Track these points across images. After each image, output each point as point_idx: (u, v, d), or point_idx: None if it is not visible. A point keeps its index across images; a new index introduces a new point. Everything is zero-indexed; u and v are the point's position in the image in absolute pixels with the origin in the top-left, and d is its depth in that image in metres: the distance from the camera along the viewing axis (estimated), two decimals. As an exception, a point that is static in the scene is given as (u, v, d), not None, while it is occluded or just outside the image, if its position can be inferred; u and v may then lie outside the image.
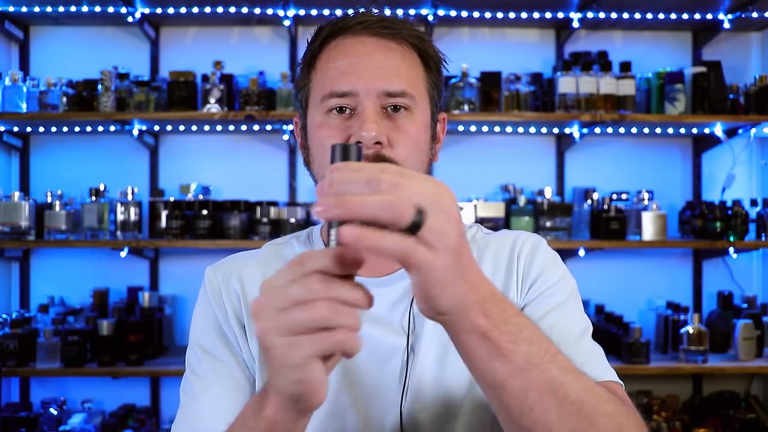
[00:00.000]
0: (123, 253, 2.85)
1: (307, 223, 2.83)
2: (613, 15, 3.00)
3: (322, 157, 1.00)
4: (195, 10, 2.93)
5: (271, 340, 0.64)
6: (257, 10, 2.93)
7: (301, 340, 0.62)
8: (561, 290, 1.04)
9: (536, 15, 3.00)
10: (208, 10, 2.93)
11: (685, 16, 3.01)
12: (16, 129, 3.02)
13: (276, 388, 0.68)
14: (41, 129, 3.03)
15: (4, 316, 2.86)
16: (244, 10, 2.93)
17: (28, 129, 3.04)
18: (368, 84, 0.97)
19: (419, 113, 1.01)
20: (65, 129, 3.04)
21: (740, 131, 3.00)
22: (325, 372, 0.65)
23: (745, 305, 3.05)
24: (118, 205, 2.83)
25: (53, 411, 2.77)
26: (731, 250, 2.94)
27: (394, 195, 0.61)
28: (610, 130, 3.05)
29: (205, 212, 2.81)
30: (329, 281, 0.63)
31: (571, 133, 3.04)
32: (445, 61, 1.08)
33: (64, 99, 2.80)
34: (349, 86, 0.98)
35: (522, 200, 2.87)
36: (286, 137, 2.99)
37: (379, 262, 1.04)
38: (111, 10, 2.90)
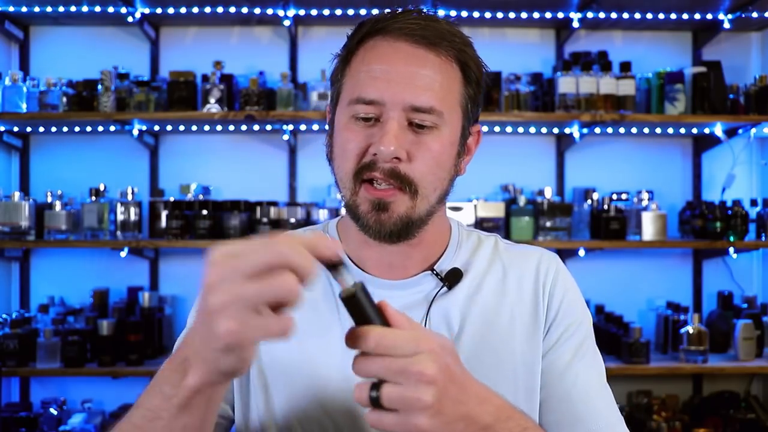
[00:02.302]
0: (123, 253, 2.85)
1: (306, 223, 2.83)
2: (613, 15, 3.00)
3: (341, 159, 0.99)
4: (195, 10, 2.93)
5: (226, 314, 0.63)
6: (257, 10, 2.93)
7: (258, 321, 0.63)
8: (578, 330, 1.06)
9: (536, 15, 3.00)
10: (208, 10, 2.93)
11: (685, 16, 3.01)
12: (16, 129, 3.02)
13: (206, 359, 0.68)
14: (41, 129, 3.03)
15: (4, 316, 2.86)
16: (244, 10, 2.93)
17: (28, 129, 3.04)
18: (396, 95, 0.94)
19: (446, 130, 0.98)
20: (65, 129, 3.04)
21: (740, 131, 2.99)
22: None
23: (745, 305, 3.05)
24: (118, 205, 2.83)
25: (53, 411, 2.77)
26: (731, 250, 2.94)
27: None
28: (610, 130, 3.05)
29: (205, 212, 2.81)
30: (296, 247, 0.64)
31: (571, 133, 3.04)
32: (486, 72, 1.04)
33: (64, 99, 2.80)
34: (376, 94, 0.95)
35: (522, 200, 2.87)
36: (286, 137, 2.99)
37: (402, 263, 1.04)
38: (111, 10, 2.90)
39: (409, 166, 0.95)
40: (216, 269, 0.63)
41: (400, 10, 1.00)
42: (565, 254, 3.05)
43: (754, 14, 2.98)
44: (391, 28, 0.97)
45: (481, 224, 2.86)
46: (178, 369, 0.71)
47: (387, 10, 1.02)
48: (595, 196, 2.98)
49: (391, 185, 0.95)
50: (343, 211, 1.07)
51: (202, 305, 0.65)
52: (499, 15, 3.00)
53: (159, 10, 2.93)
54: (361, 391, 0.69)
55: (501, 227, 2.87)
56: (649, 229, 2.87)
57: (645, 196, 2.95)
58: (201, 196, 2.93)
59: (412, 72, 0.95)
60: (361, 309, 0.69)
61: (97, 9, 2.90)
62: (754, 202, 3.00)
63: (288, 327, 0.64)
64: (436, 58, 0.97)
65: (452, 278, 1.04)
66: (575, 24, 2.99)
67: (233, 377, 0.70)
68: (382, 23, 0.98)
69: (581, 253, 2.93)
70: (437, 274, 1.04)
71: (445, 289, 1.03)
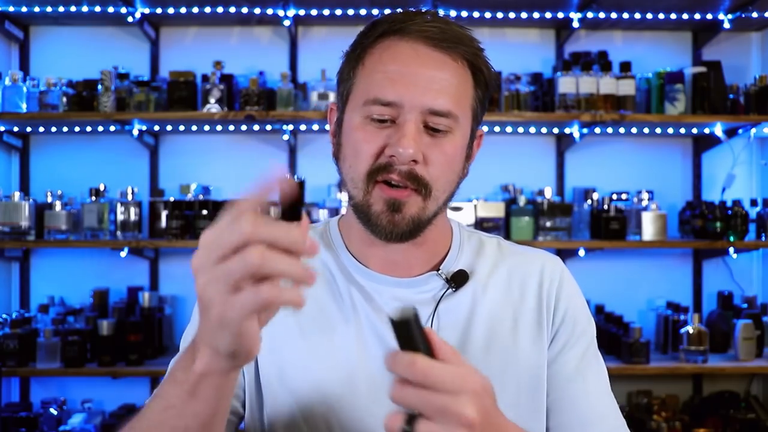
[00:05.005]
0: (123, 253, 2.85)
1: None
2: (613, 15, 3.00)
3: (353, 159, 0.98)
4: (195, 10, 2.93)
5: (209, 294, 0.63)
6: (257, 10, 2.93)
7: (236, 296, 0.62)
8: (584, 336, 1.08)
9: (536, 15, 3.00)
10: (208, 10, 2.93)
11: (685, 16, 3.01)
12: (16, 129, 3.02)
13: (208, 342, 0.68)
14: (41, 129, 3.03)
15: (4, 316, 2.86)
16: (244, 10, 2.93)
17: (28, 129, 3.04)
18: (414, 98, 0.94)
19: (459, 134, 0.98)
20: (65, 129, 3.04)
21: (740, 131, 3.00)
22: (259, 326, 0.66)
23: (745, 305, 3.05)
24: (118, 205, 2.83)
25: (53, 411, 2.77)
26: (731, 250, 2.94)
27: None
28: (610, 130, 3.05)
29: (205, 212, 2.81)
30: (259, 222, 0.62)
31: (571, 133, 3.04)
32: (495, 76, 1.04)
33: (64, 99, 2.80)
34: (395, 96, 0.95)
35: (522, 200, 2.87)
36: (286, 137, 2.99)
37: (407, 262, 1.04)
38: (111, 10, 2.90)
39: (425, 169, 0.96)
40: (198, 254, 0.65)
41: (413, 10, 1.00)
42: (565, 254, 3.05)
43: (754, 14, 2.98)
44: (408, 30, 0.97)
45: (481, 224, 2.86)
46: (189, 355, 0.72)
47: (399, 10, 1.02)
48: (595, 196, 2.98)
49: (407, 186, 0.96)
50: (343, 210, 1.07)
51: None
52: (499, 15, 3.00)
53: (159, 10, 2.93)
54: (393, 422, 0.66)
55: (501, 227, 2.87)
56: (649, 229, 2.87)
57: (645, 196, 2.95)
58: (201, 196, 2.93)
59: (431, 75, 0.95)
60: (411, 335, 0.66)
61: (97, 9, 2.90)
62: (754, 202, 3.00)
63: (270, 299, 0.62)
64: (453, 62, 0.97)
65: (458, 280, 1.04)
66: (575, 24, 2.99)
67: (238, 363, 0.69)
68: (399, 24, 0.98)
69: (581, 253, 2.93)
70: (444, 276, 1.04)
71: (451, 290, 1.04)
